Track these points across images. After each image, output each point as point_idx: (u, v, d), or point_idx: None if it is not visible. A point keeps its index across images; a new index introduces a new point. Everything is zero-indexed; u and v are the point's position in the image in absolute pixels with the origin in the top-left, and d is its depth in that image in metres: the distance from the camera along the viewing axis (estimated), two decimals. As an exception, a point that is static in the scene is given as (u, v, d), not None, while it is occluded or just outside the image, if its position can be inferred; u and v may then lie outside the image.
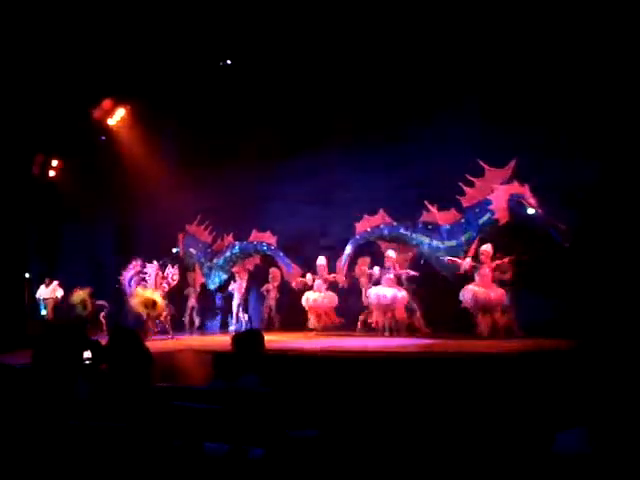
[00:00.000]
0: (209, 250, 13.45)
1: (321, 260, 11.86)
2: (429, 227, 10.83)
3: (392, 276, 10.94)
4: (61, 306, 13.43)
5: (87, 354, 3.19)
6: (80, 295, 12.93)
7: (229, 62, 12.81)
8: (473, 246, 10.07)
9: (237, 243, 13.13)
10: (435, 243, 10.65)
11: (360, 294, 11.52)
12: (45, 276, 13.63)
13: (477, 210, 10.08)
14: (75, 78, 11.58)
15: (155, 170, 13.40)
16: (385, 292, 10.78)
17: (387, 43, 11.24)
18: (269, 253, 12.78)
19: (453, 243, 10.45)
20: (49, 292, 13.35)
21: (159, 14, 10.71)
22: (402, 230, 11.20)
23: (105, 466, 2.52)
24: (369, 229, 11.63)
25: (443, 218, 10.70)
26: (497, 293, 9.61)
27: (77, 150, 13.86)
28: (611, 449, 1.79)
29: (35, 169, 13.84)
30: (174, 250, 13.56)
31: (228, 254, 13.15)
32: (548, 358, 6.19)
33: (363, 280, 11.59)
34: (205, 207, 13.34)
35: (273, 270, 12.89)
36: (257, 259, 13.25)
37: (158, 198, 13.41)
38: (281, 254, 12.52)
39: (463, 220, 10.41)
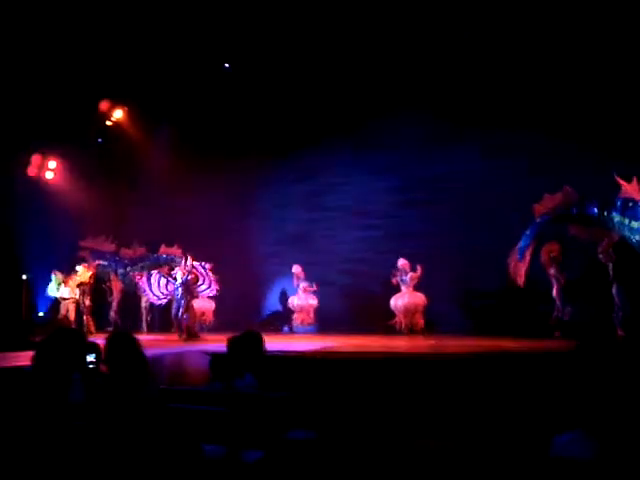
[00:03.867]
0: (117, 258, 14.39)
1: (296, 268, 12.90)
2: (630, 204, 8.65)
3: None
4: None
5: (90, 357, 3.19)
6: (59, 278, 12.95)
7: (227, 66, 12.92)
8: None
9: (151, 255, 14.25)
10: (637, 224, 8.54)
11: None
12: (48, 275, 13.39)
13: None
14: (74, 79, 11.60)
15: (151, 170, 13.47)
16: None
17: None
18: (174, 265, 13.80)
19: None
20: (67, 292, 12.91)
21: (157, 16, 10.74)
22: (596, 209, 9.09)
23: (102, 468, 2.52)
24: (551, 209, 9.77)
25: None
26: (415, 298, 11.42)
27: (74, 151, 13.86)
28: (611, 453, 1.78)
29: (32, 170, 13.83)
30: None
31: (141, 264, 14.21)
32: (546, 358, 6.19)
33: (553, 271, 10.15)
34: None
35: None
36: (166, 269, 13.98)
37: (155, 198, 13.47)
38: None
39: None
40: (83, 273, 13.15)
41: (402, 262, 11.74)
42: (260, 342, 4.11)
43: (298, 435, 3.36)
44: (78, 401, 2.81)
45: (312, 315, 13.06)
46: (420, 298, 11.73)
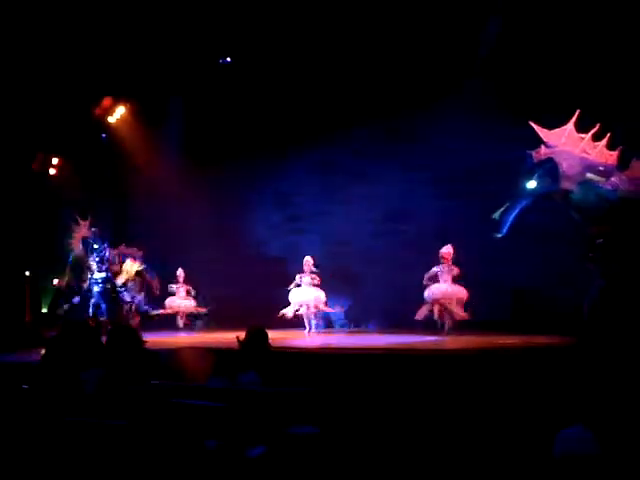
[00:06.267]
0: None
1: (307, 258, 12.13)
2: None
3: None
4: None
5: None
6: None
7: (229, 59, 12.90)
8: None
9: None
10: None
11: None
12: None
13: None
14: (75, 76, 11.60)
15: (155, 168, 13.48)
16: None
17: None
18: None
19: None
20: None
21: (159, 12, 10.73)
22: None
23: (105, 463, 2.52)
24: None
25: None
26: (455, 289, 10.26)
27: (77, 148, 13.87)
28: (614, 449, 1.77)
29: (35, 166, 13.84)
30: None
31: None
32: (547, 354, 6.18)
33: None
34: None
35: None
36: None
37: (158, 195, 13.48)
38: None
39: None
40: (131, 267, 12.71)
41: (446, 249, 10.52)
42: (266, 338, 4.12)
43: (301, 430, 3.37)
44: (88, 392, 2.82)
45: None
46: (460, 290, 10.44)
